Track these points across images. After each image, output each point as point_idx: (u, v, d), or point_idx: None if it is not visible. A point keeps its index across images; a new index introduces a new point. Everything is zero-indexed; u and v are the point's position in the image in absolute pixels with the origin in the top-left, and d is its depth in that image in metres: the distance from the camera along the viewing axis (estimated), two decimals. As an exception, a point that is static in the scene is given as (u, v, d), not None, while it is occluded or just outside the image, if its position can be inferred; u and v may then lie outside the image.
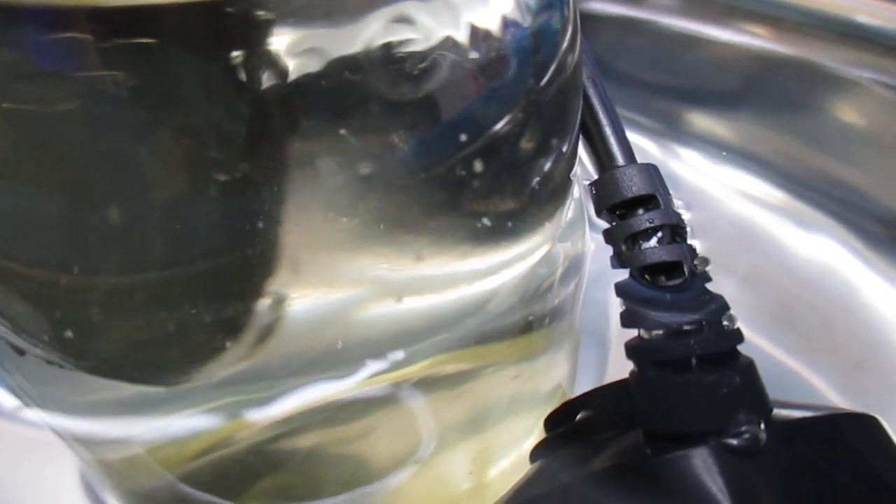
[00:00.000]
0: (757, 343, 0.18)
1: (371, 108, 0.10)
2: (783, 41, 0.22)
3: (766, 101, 0.22)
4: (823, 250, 0.20)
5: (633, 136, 0.23)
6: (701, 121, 0.23)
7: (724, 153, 0.22)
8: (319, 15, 0.09)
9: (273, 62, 0.09)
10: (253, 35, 0.09)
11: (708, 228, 0.20)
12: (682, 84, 0.24)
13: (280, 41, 0.09)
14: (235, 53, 0.09)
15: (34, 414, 0.12)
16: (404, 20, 0.09)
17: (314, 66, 0.10)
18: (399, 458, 0.14)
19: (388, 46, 0.10)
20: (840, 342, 0.19)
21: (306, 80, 0.10)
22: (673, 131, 0.23)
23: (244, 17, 0.09)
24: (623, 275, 0.12)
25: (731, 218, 0.21)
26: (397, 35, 0.10)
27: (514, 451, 0.15)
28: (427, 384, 0.13)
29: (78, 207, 0.10)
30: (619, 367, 0.12)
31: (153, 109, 0.10)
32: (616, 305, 0.15)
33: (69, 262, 0.10)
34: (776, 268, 0.20)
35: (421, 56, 0.10)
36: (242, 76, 0.09)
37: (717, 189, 0.21)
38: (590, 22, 0.25)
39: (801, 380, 0.18)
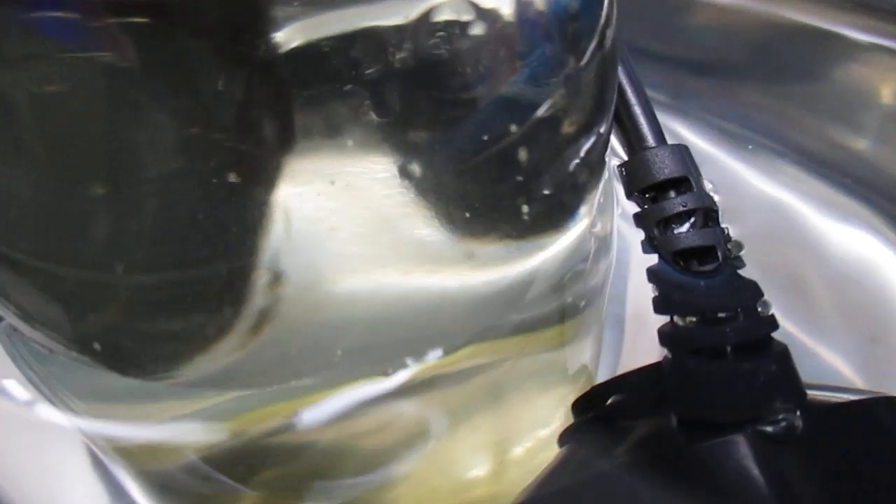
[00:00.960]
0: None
1: (408, 89, 0.10)
2: (790, 6, 0.22)
3: (772, 69, 0.22)
4: (838, 226, 0.20)
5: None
6: (705, 90, 0.23)
7: (739, 130, 0.22)
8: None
9: (294, 37, 0.09)
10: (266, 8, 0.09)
11: (726, 204, 0.20)
12: (686, 53, 0.24)
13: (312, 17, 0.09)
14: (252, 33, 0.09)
15: (49, 405, 0.12)
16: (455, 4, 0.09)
17: (338, 39, 0.09)
18: (417, 444, 0.14)
19: (427, 16, 0.09)
20: (854, 317, 0.19)
21: (326, 54, 0.09)
22: (675, 101, 0.23)
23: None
24: (646, 256, 0.12)
25: (747, 194, 0.21)
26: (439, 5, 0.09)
27: (537, 434, 0.15)
28: (453, 375, 0.12)
29: (79, 195, 0.10)
30: (635, 348, 0.12)
31: (152, 89, 0.09)
32: (633, 285, 0.15)
33: (74, 257, 0.10)
34: (786, 242, 0.20)
35: (461, 27, 0.09)
36: (243, 54, 0.09)
37: (721, 162, 0.21)
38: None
39: (815, 355, 0.18)
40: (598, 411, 0.13)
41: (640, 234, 0.12)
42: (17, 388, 0.12)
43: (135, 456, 0.13)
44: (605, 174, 0.14)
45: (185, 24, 0.09)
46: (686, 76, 0.23)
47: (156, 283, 0.10)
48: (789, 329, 0.19)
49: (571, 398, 0.13)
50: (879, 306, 0.19)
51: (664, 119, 0.22)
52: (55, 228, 0.10)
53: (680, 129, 0.23)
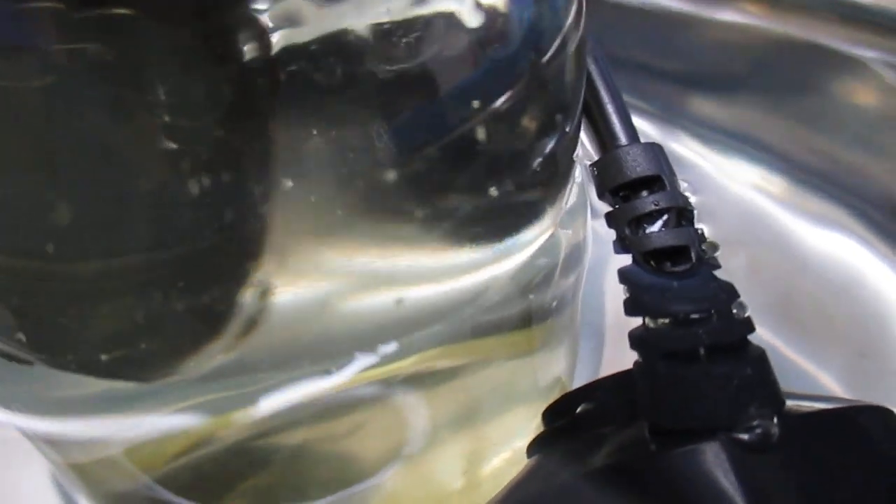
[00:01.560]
0: (758, 331, 0.18)
1: (362, 81, 0.09)
2: (785, 21, 0.21)
3: (769, 84, 0.22)
4: (827, 237, 0.20)
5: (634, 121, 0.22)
6: (700, 103, 0.23)
7: (729, 140, 0.21)
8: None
9: (256, 34, 0.09)
10: (235, 4, 0.09)
11: (712, 214, 0.20)
12: (680, 67, 0.24)
13: (268, 10, 0.09)
14: (216, 24, 0.09)
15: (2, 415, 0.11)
16: None
17: (301, 35, 0.09)
18: (389, 456, 0.13)
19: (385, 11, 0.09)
20: (844, 331, 0.18)
21: (291, 52, 0.09)
22: (674, 115, 0.22)
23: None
24: (624, 261, 0.12)
25: (735, 204, 0.20)
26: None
27: (510, 446, 0.14)
28: (419, 379, 0.12)
29: (46, 189, 0.09)
30: (615, 358, 0.12)
31: (127, 85, 0.09)
32: (612, 294, 0.15)
33: (36, 247, 0.10)
34: (778, 254, 0.20)
35: (419, 21, 0.09)
36: (223, 48, 0.09)
37: (719, 174, 0.21)
38: (588, 4, 0.25)
39: (804, 369, 0.18)
40: (568, 420, 0.12)
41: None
42: None
43: (87, 474, 0.13)
44: (578, 178, 0.13)
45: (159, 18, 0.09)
46: (681, 88, 0.23)
47: (115, 279, 0.10)
48: (777, 344, 0.18)
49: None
50: (869, 320, 0.18)
51: (658, 130, 0.22)
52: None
53: (673, 140, 0.22)
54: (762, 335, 0.18)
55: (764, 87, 0.22)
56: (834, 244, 0.19)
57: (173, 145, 0.09)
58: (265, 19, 0.09)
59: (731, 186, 0.21)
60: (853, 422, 0.11)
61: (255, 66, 0.09)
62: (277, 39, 0.09)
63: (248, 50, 0.09)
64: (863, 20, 0.20)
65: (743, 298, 0.14)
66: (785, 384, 0.11)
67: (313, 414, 0.12)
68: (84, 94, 0.09)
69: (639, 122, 0.22)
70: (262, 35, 0.09)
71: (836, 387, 0.17)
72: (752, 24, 0.22)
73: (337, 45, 0.09)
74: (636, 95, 0.23)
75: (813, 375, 0.17)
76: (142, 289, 0.10)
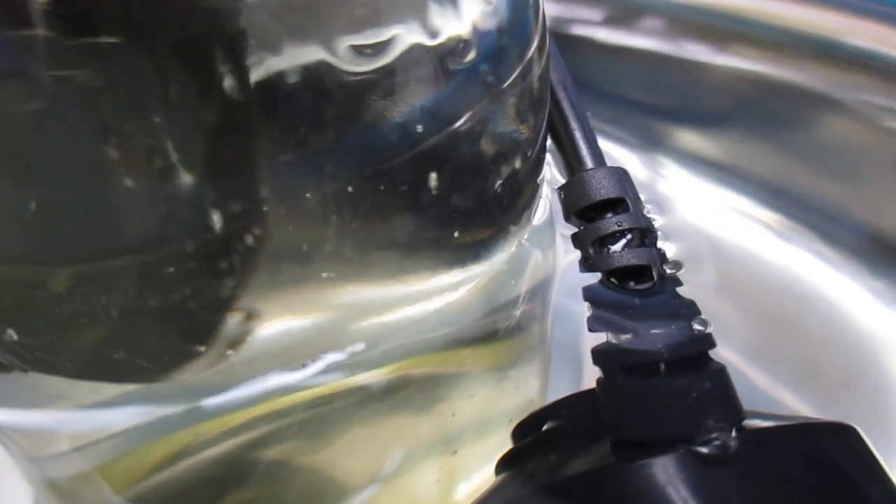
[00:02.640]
0: (738, 360, 0.18)
1: (327, 97, 0.10)
2: (769, 62, 0.22)
3: (751, 119, 0.22)
4: (808, 268, 0.20)
5: (617, 150, 0.23)
6: (689, 138, 0.23)
7: (712, 171, 0.22)
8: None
9: (235, 62, 0.09)
10: (217, 34, 0.09)
11: (693, 240, 0.20)
12: (668, 102, 0.24)
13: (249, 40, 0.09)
14: (200, 52, 0.09)
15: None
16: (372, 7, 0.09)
17: (278, 63, 0.09)
18: (365, 474, 0.13)
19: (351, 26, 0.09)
20: (825, 361, 0.18)
21: (270, 80, 0.09)
22: (657, 146, 0.23)
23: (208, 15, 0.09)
24: (593, 281, 0.12)
25: (718, 233, 0.20)
26: (362, 16, 0.09)
27: (484, 467, 0.14)
28: (392, 393, 0.12)
29: (37, 200, 0.10)
30: (593, 382, 0.12)
31: (113, 110, 0.09)
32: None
33: (24, 254, 0.10)
34: (760, 283, 0.20)
35: (387, 44, 0.10)
36: (204, 78, 0.09)
37: (703, 205, 0.21)
38: (580, 44, 0.25)
39: (782, 400, 0.18)
40: (535, 437, 0.12)
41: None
42: None
43: (66, 493, 0.13)
44: (546, 205, 0.13)
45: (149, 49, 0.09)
46: (664, 123, 0.23)
47: (95, 287, 0.10)
48: (757, 373, 0.18)
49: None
50: (851, 350, 0.18)
51: (641, 161, 0.23)
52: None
53: (656, 170, 0.23)
54: (742, 364, 0.18)
55: (747, 123, 0.22)
56: (817, 275, 0.20)
57: (156, 168, 0.09)
58: (244, 49, 0.09)
59: (713, 215, 0.21)
60: (814, 438, 0.11)
61: (235, 93, 0.09)
62: (255, 68, 0.09)
63: (228, 78, 0.09)
64: (842, 61, 0.21)
65: (721, 326, 0.14)
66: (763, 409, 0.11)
67: (287, 426, 0.12)
68: (72, 117, 0.09)
69: (622, 153, 0.23)
70: (241, 64, 0.09)
71: (819, 416, 0.17)
72: (737, 64, 0.22)
73: (313, 75, 0.09)
74: (621, 127, 0.23)
75: (793, 405, 0.17)
76: (125, 300, 0.10)
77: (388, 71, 0.10)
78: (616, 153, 0.22)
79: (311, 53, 0.09)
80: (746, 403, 0.11)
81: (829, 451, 0.11)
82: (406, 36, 0.10)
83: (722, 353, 0.16)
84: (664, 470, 0.10)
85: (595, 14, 0.25)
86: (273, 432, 0.12)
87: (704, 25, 0.24)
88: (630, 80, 0.25)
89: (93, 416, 0.12)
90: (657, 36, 0.24)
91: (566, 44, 0.24)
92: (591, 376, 0.14)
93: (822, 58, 0.21)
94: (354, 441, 0.13)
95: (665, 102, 0.23)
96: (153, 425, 0.12)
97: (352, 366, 0.12)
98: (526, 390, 0.14)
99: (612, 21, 0.25)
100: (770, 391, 0.18)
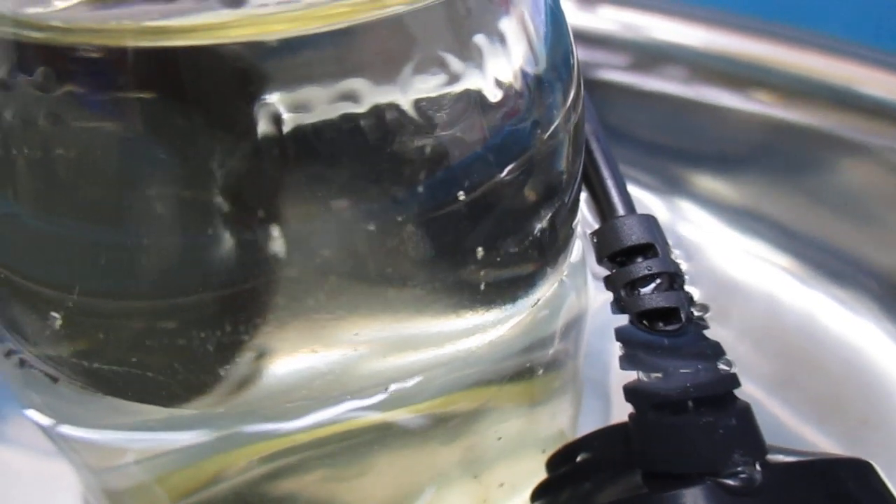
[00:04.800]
0: (760, 395, 0.18)
1: (385, 152, 0.10)
2: (787, 108, 0.23)
3: (771, 163, 0.23)
4: (827, 310, 0.20)
5: (640, 194, 0.24)
6: (707, 181, 0.24)
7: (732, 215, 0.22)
8: (356, 64, 0.10)
9: (277, 110, 0.10)
10: (265, 82, 0.10)
11: (715, 282, 0.21)
12: (690, 147, 0.25)
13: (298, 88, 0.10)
14: (243, 100, 0.10)
15: (50, 441, 0.13)
16: (437, 63, 0.10)
17: (308, 117, 0.10)
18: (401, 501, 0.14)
19: (419, 89, 0.10)
20: (845, 399, 0.19)
21: (301, 131, 0.10)
22: (679, 191, 0.24)
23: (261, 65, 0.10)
24: (624, 322, 0.13)
25: (738, 274, 0.21)
26: (429, 79, 0.10)
27: (517, 497, 0.15)
28: (428, 427, 0.13)
29: (108, 240, 0.10)
30: (621, 417, 0.13)
31: (152, 163, 0.10)
32: (617, 356, 0.16)
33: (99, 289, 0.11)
34: (781, 323, 0.21)
35: (449, 98, 0.10)
36: (249, 124, 0.10)
37: (724, 249, 0.22)
38: (603, 89, 0.26)
39: (802, 435, 0.18)
40: (569, 467, 0.13)
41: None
42: (38, 416, 0.13)
43: (126, 500, 0.14)
44: (579, 247, 0.14)
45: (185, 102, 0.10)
46: (683, 166, 0.24)
47: (157, 317, 0.11)
48: (779, 408, 0.19)
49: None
50: (871, 389, 0.19)
51: (663, 203, 0.23)
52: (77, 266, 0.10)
53: (676, 213, 0.24)
54: (765, 401, 0.19)
55: (767, 166, 0.23)
56: (835, 317, 0.20)
57: (199, 211, 0.10)
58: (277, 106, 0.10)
59: (734, 260, 0.22)
60: (833, 472, 0.11)
61: (265, 144, 0.10)
62: (288, 120, 0.10)
63: (261, 129, 0.10)
64: (858, 108, 0.21)
65: (742, 364, 0.14)
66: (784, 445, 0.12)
67: (328, 456, 0.13)
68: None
69: (644, 195, 0.24)
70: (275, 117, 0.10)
71: (839, 452, 0.18)
72: (756, 109, 0.23)
73: (351, 124, 0.10)
74: (643, 170, 0.24)
75: (813, 441, 0.18)
76: (166, 329, 0.11)
77: (447, 126, 0.11)
78: (639, 195, 0.23)
79: (380, 103, 0.10)
80: (770, 438, 0.12)
81: (847, 484, 0.11)
82: (466, 92, 0.11)
83: (746, 390, 0.16)
84: (693, 500, 0.11)
85: (619, 59, 0.26)
86: (307, 460, 0.13)
87: (726, 72, 0.25)
88: (652, 124, 0.26)
89: (155, 436, 0.13)
90: (679, 81, 0.25)
91: (590, 88, 0.25)
92: (619, 411, 0.15)
93: (839, 105, 0.22)
94: (387, 470, 0.13)
95: (688, 146, 0.24)
96: (206, 446, 0.13)
97: (394, 401, 0.12)
98: (558, 421, 0.15)
99: (635, 67, 0.26)
100: (792, 427, 0.18)
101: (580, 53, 0.26)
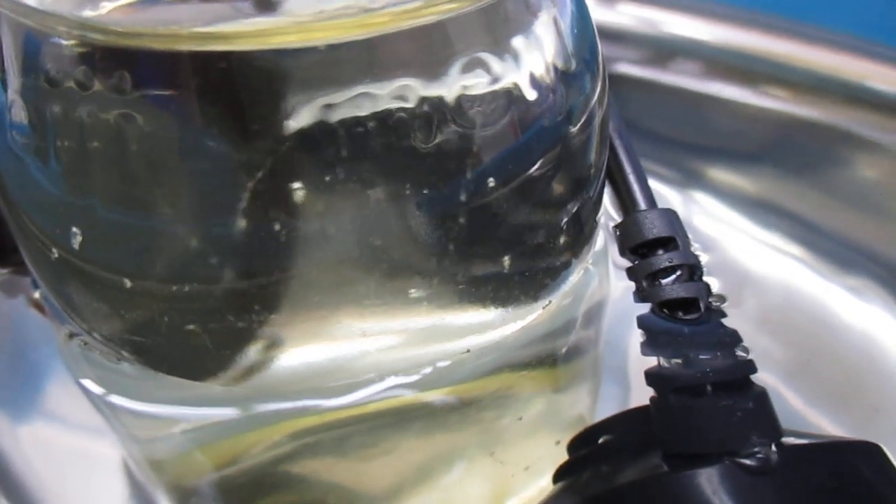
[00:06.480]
0: (776, 382, 0.19)
1: (429, 148, 0.11)
2: (801, 103, 0.23)
3: (786, 157, 0.23)
4: (841, 299, 0.21)
5: (657, 186, 0.24)
6: (723, 174, 0.24)
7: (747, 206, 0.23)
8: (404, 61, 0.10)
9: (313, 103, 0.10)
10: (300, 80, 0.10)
11: (732, 272, 0.21)
12: (706, 141, 0.25)
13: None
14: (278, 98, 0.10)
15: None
16: (480, 65, 0.11)
17: (364, 107, 0.10)
18: (419, 483, 0.15)
19: (465, 87, 0.11)
20: (859, 387, 0.19)
21: (363, 125, 0.10)
22: (695, 183, 0.24)
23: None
24: (645, 310, 0.13)
25: (753, 269, 0.22)
26: (471, 79, 0.11)
27: (538, 479, 0.15)
28: (452, 410, 0.14)
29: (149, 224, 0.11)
30: (640, 402, 0.13)
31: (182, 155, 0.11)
32: (636, 344, 0.17)
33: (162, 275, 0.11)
34: (795, 313, 0.21)
35: (492, 95, 0.11)
36: (280, 117, 0.10)
37: (737, 238, 0.22)
38: (620, 83, 0.27)
39: (817, 423, 0.19)
40: (590, 449, 0.13)
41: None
42: (93, 385, 0.14)
43: (165, 468, 0.15)
44: (601, 238, 0.15)
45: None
46: (699, 160, 0.25)
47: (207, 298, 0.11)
48: (793, 395, 0.19)
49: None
50: (884, 376, 0.19)
51: (679, 196, 0.24)
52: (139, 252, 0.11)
53: (693, 204, 0.24)
54: (781, 388, 0.19)
55: (781, 160, 0.23)
56: (850, 305, 0.21)
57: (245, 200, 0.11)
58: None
59: (749, 249, 0.22)
60: (845, 453, 0.12)
61: (315, 139, 0.10)
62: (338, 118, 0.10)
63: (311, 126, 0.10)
64: (870, 104, 0.22)
65: (758, 351, 0.15)
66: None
67: (352, 434, 0.13)
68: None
69: (661, 187, 0.24)
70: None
71: (850, 436, 0.18)
72: (770, 104, 0.24)
73: (396, 118, 0.11)
74: (659, 163, 0.25)
75: (827, 428, 0.19)
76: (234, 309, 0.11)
77: (487, 123, 0.11)
78: (656, 187, 0.24)
79: (422, 103, 0.11)
80: (785, 424, 0.13)
81: (857, 465, 0.12)
82: (506, 90, 0.11)
83: (763, 377, 0.17)
84: (712, 479, 0.11)
85: (636, 54, 0.27)
86: (337, 437, 0.14)
87: (741, 68, 0.25)
88: (668, 118, 0.26)
89: (203, 411, 0.13)
90: (695, 76, 0.26)
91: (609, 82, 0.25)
92: (637, 396, 0.16)
93: (852, 100, 0.23)
94: (416, 450, 0.14)
95: (704, 140, 0.25)
96: (249, 419, 0.13)
97: (428, 382, 0.13)
98: (578, 406, 0.16)
99: (652, 61, 0.26)
100: (807, 414, 0.19)
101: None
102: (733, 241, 0.22)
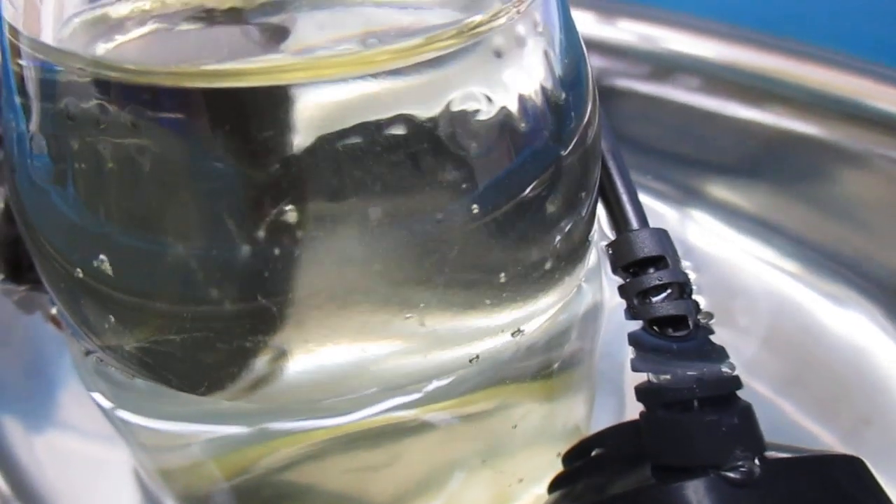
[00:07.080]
0: (771, 395, 0.20)
1: (426, 175, 0.12)
2: (796, 119, 0.24)
3: (780, 172, 0.24)
4: (832, 312, 0.21)
5: (653, 203, 0.25)
6: (717, 189, 0.25)
7: (742, 221, 0.23)
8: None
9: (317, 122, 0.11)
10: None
11: (720, 290, 0.22)
12: (703, 156, 0.26)
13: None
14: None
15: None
16: (474, 97, 0.11)
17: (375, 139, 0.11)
18: (421, 493, 0.15)
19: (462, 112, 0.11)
20: (849, 399, 0.20)
21: (369, 152, 0.11)
22: (690, 198, 0.25)
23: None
24: (637, 327, 0.14)
25: (743, 280, 0.22)
26: (468, 107, 0.12)
27: (534, 489, 0.16)
28: (450, 424, 0.14)
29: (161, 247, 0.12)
30: (634, 413, 0.14)
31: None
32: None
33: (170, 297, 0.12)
34: (790, 326, 0.22)
35: (486, 124, 0.12)
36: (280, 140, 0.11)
37: (731, 253, 0.23)
38: (619, 98, 0.27)
39: (808, 434, 0.19)
40: (584, 461, 0.14)
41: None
42: (106, 400, 0.14)
43: (175, 478, 0.15)
44: (594, 254, 0.15)
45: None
46: (694, 174, 0.25)
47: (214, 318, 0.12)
48: (786, 407, 0.20)
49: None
50: (874, 388, 0.20)
51: (675, 211, 0.24)
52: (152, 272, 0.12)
53: (688, 219, 0.25)
54: (771, 398, 0.20)
55: (775, 175, 0.24)
56: (841, 318, 0.21)
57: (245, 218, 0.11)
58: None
59: (741, 262, 0.23)
60: (826, 467, 0.13)
61: (321, 166, 0.11)
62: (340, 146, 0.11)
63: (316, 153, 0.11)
64: (865, 120, 0.22)
65: (750, 366, 0.15)
66: (789, 442, 0.13)
67: (353, 449, 0.14)
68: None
69: (655, 203, 0.25)
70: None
71: (841, 450, 0.19)
72: (766, 120, 0.24)
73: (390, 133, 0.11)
74: (655, 178, 0.25)
75: (819, 439, 0.19)
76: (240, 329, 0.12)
77: (480, 152, 0.12)
78: (651, 204, 0.24)
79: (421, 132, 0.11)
80: (776, 436, 0.13)
81: (838, 478, 0.12)
82: (498, 121, 0.12)
83: (756, 389, 0.17)
84: (697, 491, 0.12)
85: (636, 69, 0.27)
86: (339, 451, 0.14)
87: (737, 84, 0.26)
88: (665, 133, 0.27)
89: (207, 427, 0.14)
90: (693, 91, 0.26)
91: (608, 96, 0.26)
92: (632, 408, 0.16)
93: (847, 117, 0.23)
94: (415, 462, 0.15)
95: (699, 154, 0.25)
96: (253, 435, 0.14)
97: (429, 398, 0.13)
98: (573, 417, 0.16)
99: (651, 77, 0.27)
100: (797, 425, 0.19)
101: (599, 63, 0.27)
102: (727, 253, 0.23)
